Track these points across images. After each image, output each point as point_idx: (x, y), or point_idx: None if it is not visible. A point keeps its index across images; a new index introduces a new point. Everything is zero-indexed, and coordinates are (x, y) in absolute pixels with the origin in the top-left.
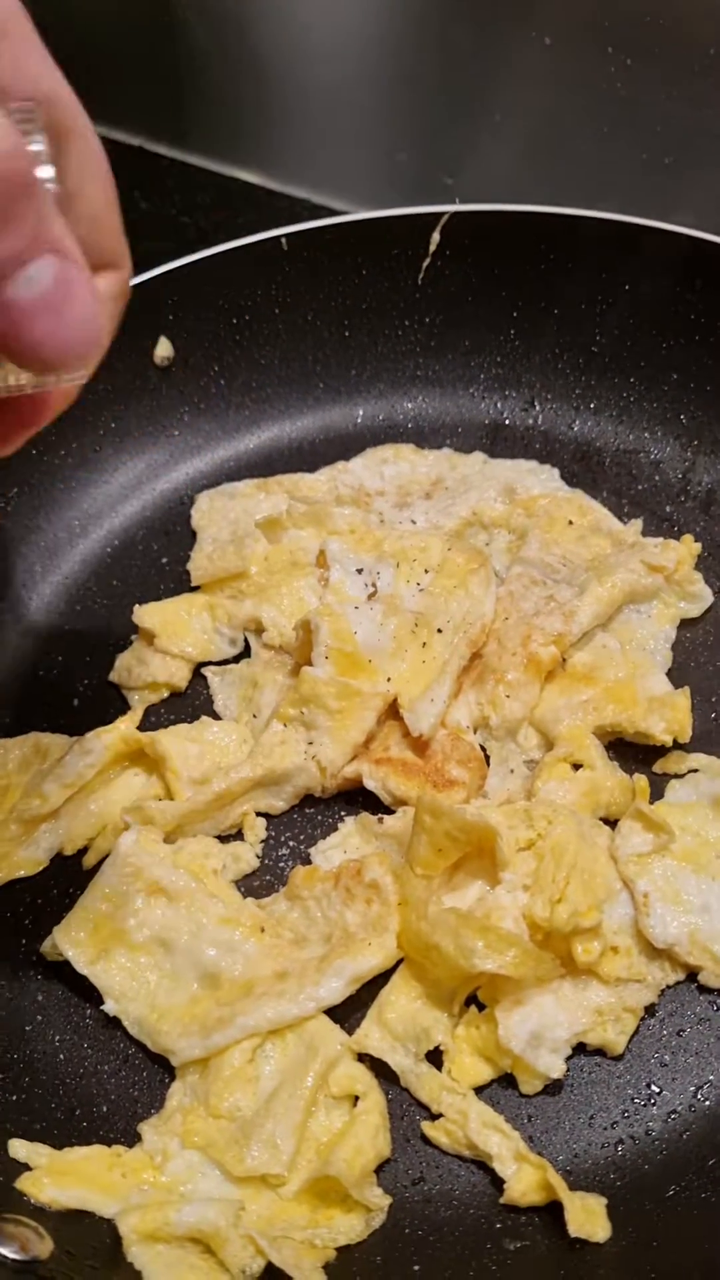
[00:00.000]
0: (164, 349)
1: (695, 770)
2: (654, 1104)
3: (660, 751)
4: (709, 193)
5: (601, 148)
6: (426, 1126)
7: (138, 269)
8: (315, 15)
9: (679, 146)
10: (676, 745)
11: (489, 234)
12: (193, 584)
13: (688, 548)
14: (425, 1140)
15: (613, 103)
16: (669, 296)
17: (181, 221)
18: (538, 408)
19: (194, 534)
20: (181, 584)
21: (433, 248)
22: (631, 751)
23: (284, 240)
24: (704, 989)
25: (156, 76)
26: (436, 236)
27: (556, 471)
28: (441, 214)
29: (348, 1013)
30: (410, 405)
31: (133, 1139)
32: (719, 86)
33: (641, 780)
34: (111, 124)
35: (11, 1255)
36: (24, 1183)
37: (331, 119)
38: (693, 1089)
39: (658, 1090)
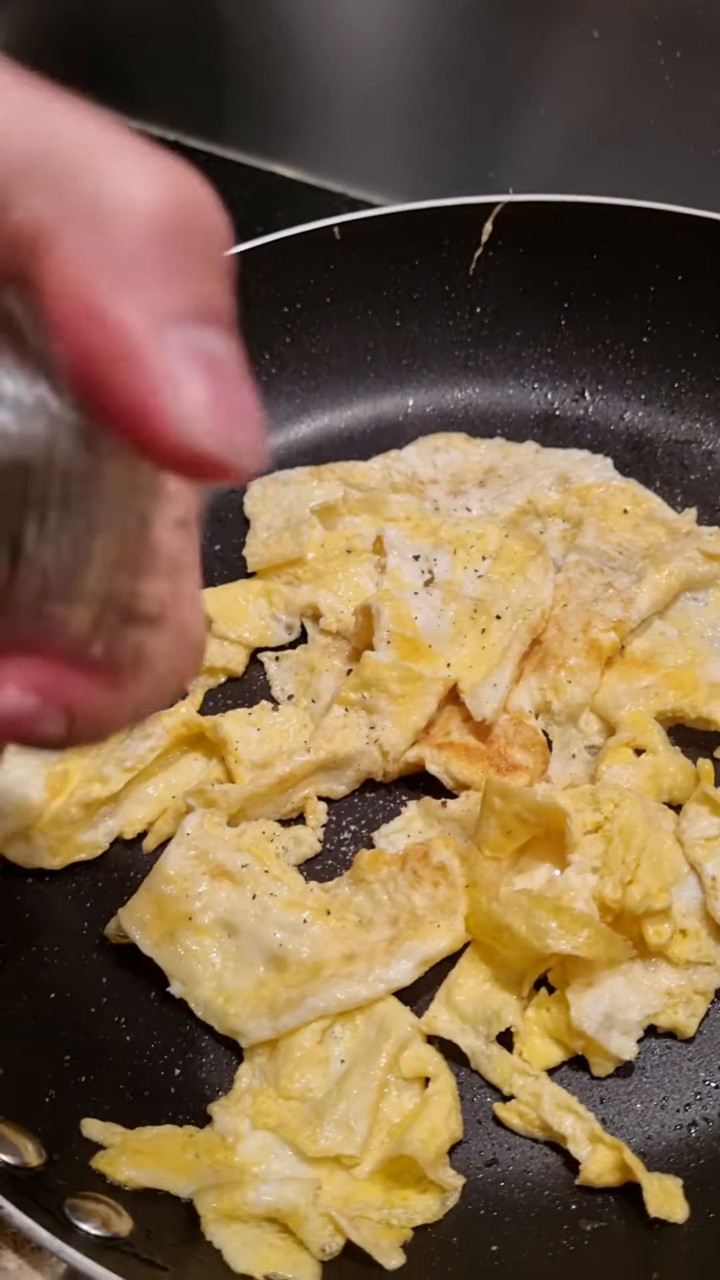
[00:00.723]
0: None
1: None
2: None
3: None
4: None
5: (647, 142)
6: (499, 1108)
7: None
8: (355, 9)
9: None
10: None
11: (541, 224)
12: (249, 570)
13: None
14: (497, 1122)
15: (660, 96)
16: (719, 287)
17: None
18: (589, 398)
19: (247, 521)
20: (235, 571)
21: (485, 238)
22: (693, 737)
23: (337, 230)
24: None
25: (192, 70)
26: (489, 226)
27: (610, 461)
28: (494, 204)
29: (416, 995)
30: (461, 395)
31: (203, 1120)
32: None
33: (706, 765)
34: (147, 119)
35: (94, 1231)
36: (100, 1161)
37: (371, 113)
38: None
39: None
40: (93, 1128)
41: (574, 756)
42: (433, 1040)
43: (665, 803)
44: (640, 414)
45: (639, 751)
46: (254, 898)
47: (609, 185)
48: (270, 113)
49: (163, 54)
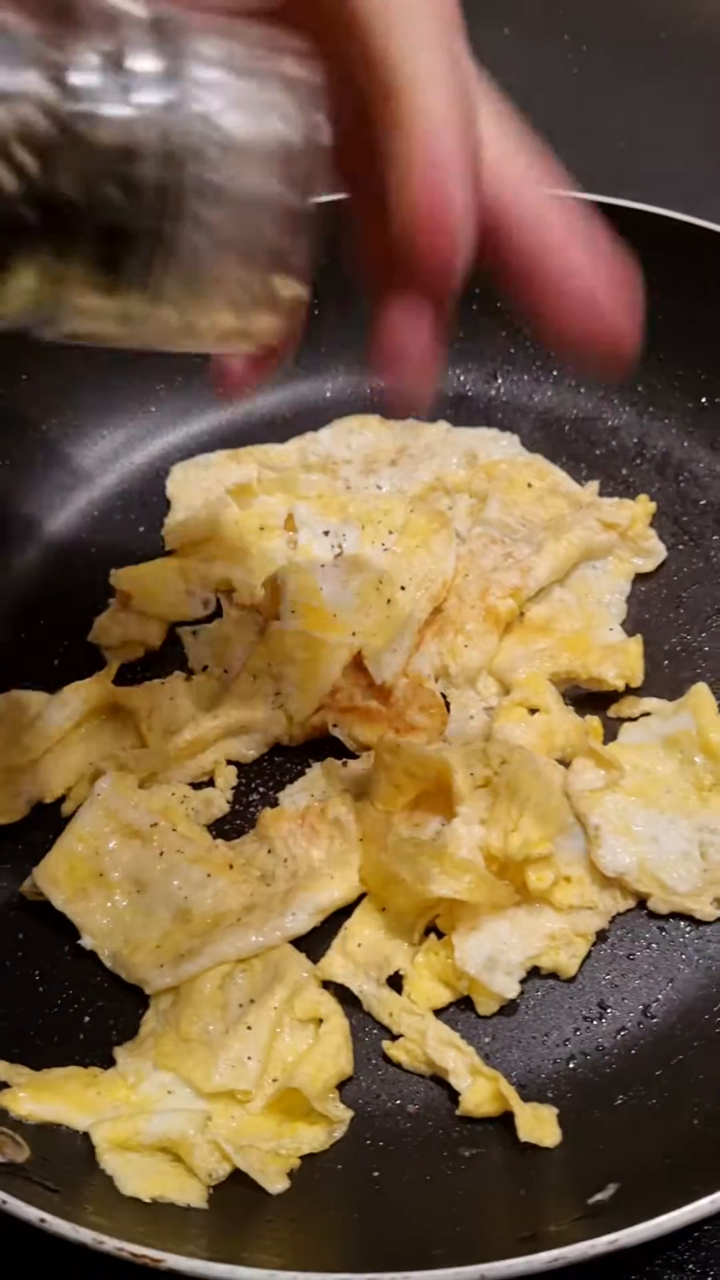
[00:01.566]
0: None
1: (648, 714)
2: (604, 1021)
3: (614, 698)
4: (665, 174)
5: (556, 134)
6: (387, 1046)
7: None
8: None
9: (636, 129)
10: (629, 690)
11: None
12: (166, 549)
13: (642, 506)
14: (386, 1059)
15: (567, 89)
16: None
17: None
18: (499, 379)
19: (169, 503)
20: (157, 550)
21: None
22: (587, 698)
23: None
24: (653, 915)
25: None
26: None
27: (517, 438)
28: None
29: (314, 945)
30: (378, 380)
31: (109, 1064)
32: (673, 70)
33: (594, 721)
34: None
35: None
36: (2, 1098)
37: None
38: (641, 1007)
39: (608, 1009)
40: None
41: (471, 718)
42: (328, 986)
43: (558, 759)
44: (549, 393)
45: (533, 711)
46: (161, 855)
47: None
48: None
49: None
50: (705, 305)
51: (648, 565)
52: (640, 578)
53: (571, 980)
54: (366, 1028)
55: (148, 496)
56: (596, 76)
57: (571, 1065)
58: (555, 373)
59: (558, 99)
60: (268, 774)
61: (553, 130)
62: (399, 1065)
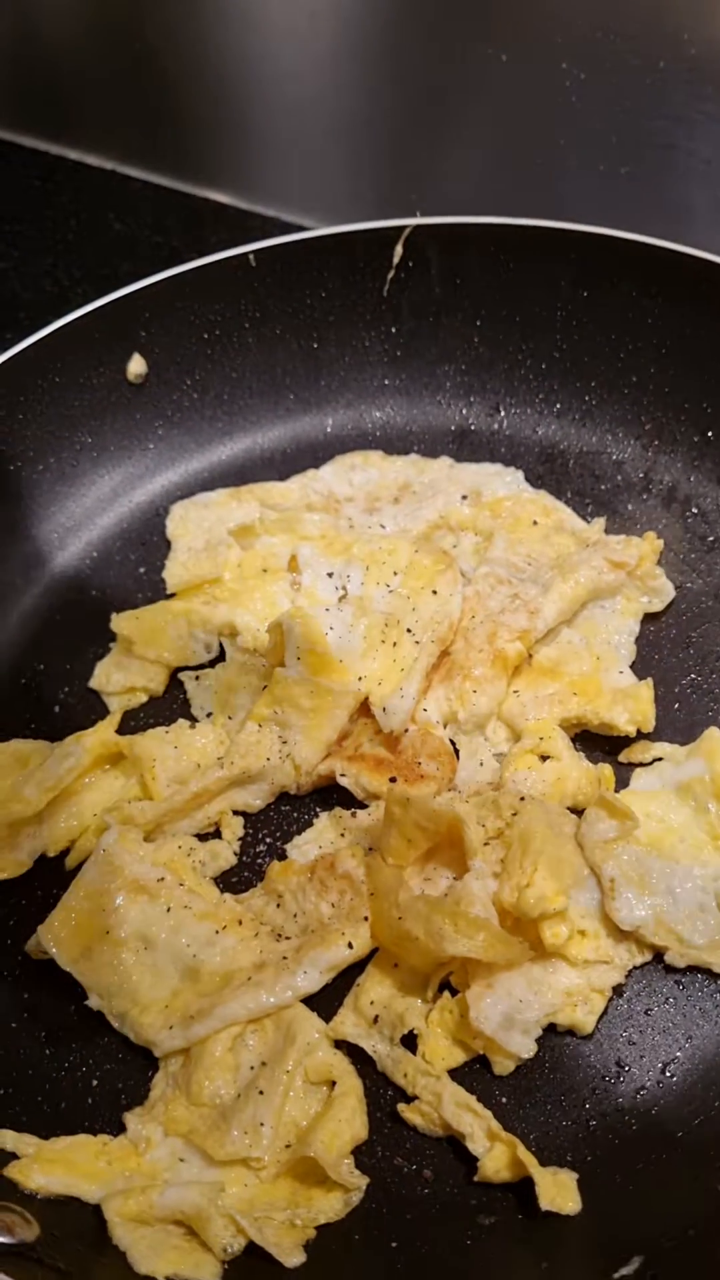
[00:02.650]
0: (137, 365)
1: (660, 759)
2: (623, 1081)
3: (626, 742)
4: (662, 201)
5: (560, 160)
6: (402, 1108)
7: (112, 289)
8: (281, 40)
9: (634, 158)
10: (641, 735)
11: (450, 246)
12: (168, 591)
13: (650, 544)
14: (401, 1122)
15: (568, 116)
16: (626, 302)
17: (155, 242)
18: (502, 413)
19: (169, 544)
20: (159, 592)
21: (396, 260)
22: (598, 742)
23: (252, 257)
24: (670, 969)
25: (128, 102)
26: (399, 249)
27: (521, 474)
28: (403, 227)
29: (326, 1001)
30: (379, 414)
31: (118, 1129)
32: (669, 100)
33: (606, 769)
34: (85, 149)
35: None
36: (12, 1170)
37: (299, 140)
38: (660, 1065)
39: (627, 1068)
40: (7, 1138)
41: (481, 765)
42: (340, 1045)
43: (569, 807)
44: (552, 427)
45: (544, 758)
46: (169, 911)
47: (528, 203)
48: (203, 141)
49: (98, 86)
50: (709, 337)
51: (656, 605)
52: (649, 617)
53: (589, 1038)
54: (380, 1089)
55: (148, 536)
56: (595, 104)
57: (591, 1126)
58: (558, 405)
59: (556, 127)
60: (275, 824)
61: (552, 159)
62: (414, 1128)
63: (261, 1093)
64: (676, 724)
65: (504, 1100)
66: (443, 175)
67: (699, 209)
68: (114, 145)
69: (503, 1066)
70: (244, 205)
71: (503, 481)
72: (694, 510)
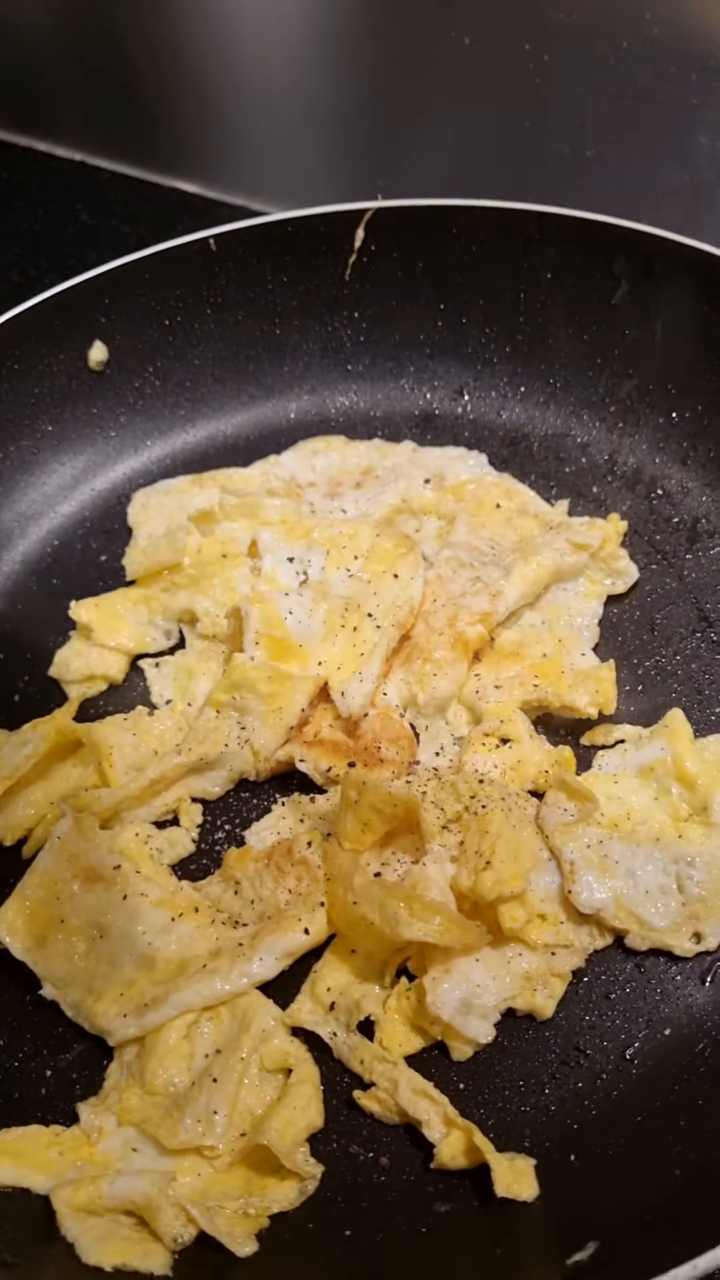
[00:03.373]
0: (99, 352)
1: (622, 741)
2: (582, 1066)
3: (588, 724)
4: (628, 183)
5: (525, 143)
6: (358, 1095)
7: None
8: (248, 28)
9: (599, 140)
10: (603, 717)
11: (412, 229)
12: (128, 579)
13: (614, 525)
14: (357, 1109)
15: (532, 99)
16: (590, 284)
17: (123, 232)
18: (466, 397)
19: (131, 531)
20: (120, 580)
21: (357, 244)
22: (560, 725)
23: (212, 241)
24: (630, 952)
25: (96, 93)
26: (360, 233)
27: (484, 457)
28: (364, 210)
29: (282, 988)
30: (343, 399)
31: (72, 1119)
32: (633, 81)
33: (566, 751)
34: (53, 140)
35: None
36: None
37: (267, 128)
38: (620, 1049)
39: (586, 1052)
40: None
41: (441, 749)
42: (297, 1032)
43: (531, 790)
44: (517, 410)
45: (504, 741)
46: (124, 899)
47: (495, 186)
48: (171, 131)
49: (66, 77)
50: (674, 319)
51: (620, 586)
52: (612, 599)
53: (548, 1022)
54: (337, 1076)
55: (109, 524)
56: (559, 86)
57: (550, 1112)
58: (523, 389)
59: (520, 109)
60: (234, 811)
61: (517, 141)
62: (371, 1115)
63: (216, 1080)
64: (639, 706)
65: (462, 1086)
66: (410, 161)
67: (664, 190)
68: (82, 136)
69: (460, 1052)
70: (212, 195)
71: (466, 465)
72: (658, 492)
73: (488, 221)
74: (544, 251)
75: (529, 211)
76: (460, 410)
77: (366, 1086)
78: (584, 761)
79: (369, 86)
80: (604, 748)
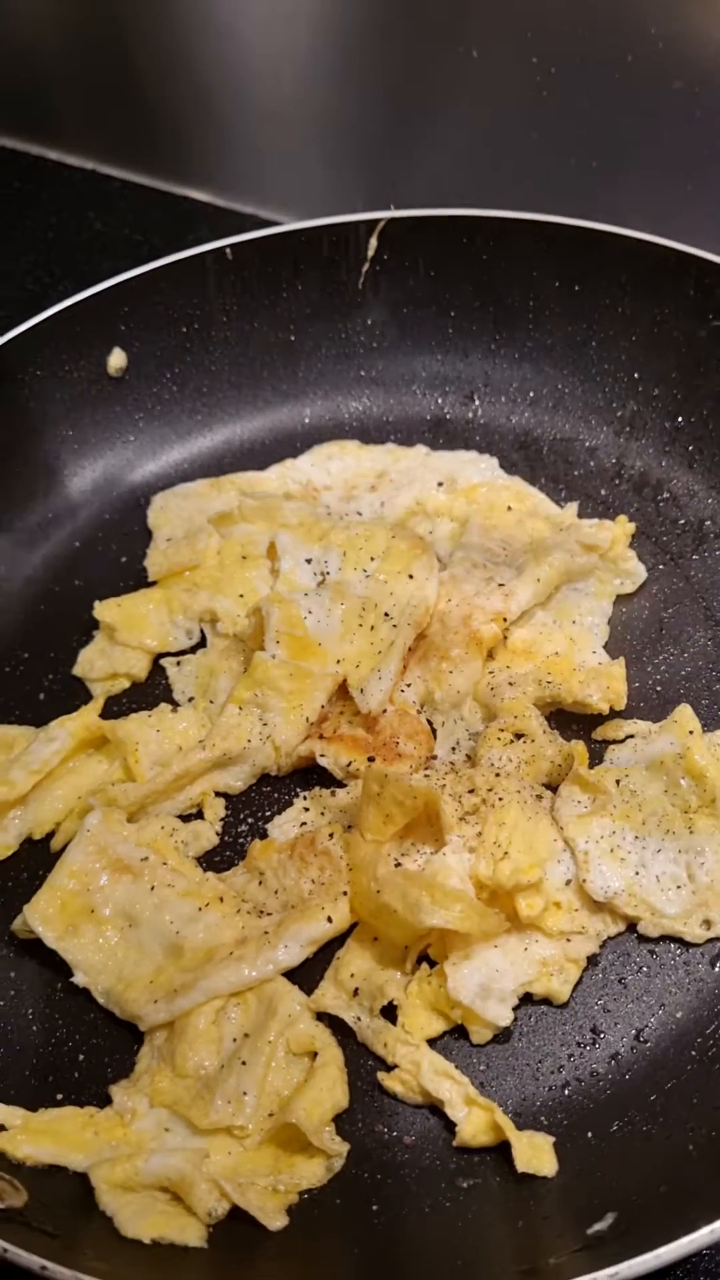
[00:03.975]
0: (118, 359)
1: (632, 736)
2: (598, 1047)
3: (599, 719)
4: (633, 193)
5: (532, 154)
6: (382, 1076)
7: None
8: (257, 38)
9: (604, 151)
10: (614, 713)
11: (424, 238)
12: (150, 579)
13: (622, 527)
14: (382, 1090)
15: (539, 110)
16: (598, 292)
17: (135, 240)
18: (477, 402)
19: (150, 533)
20: (141, 580)
21: (370, 253)
22: (572, 720)
23: (228, 251)
24: (643, 938)
25: (108, 102)
26: (373, 242)
27: (495, 461)
28: (377, 220)
29: (307, 975)
30: (356, 404)
31: (105, 1102)
32: (637, 93)
33: (579, 745)
34: (65, 149)
35: None
36: (1, 1141)
37: (277, 137)
38: (634, 1032)
39: (601, 1034)
40: None
41: (457, 744)
42: (321, 1017)
43: (544, 784)
44: (526, 415)
45: (518, 736)
46: (152, 889)
47: (503, 197)
48: (181, 140)
49: (77, 87)
50: (679, 326)
51: (629, 586)
52: (621, 599)
53: (564, 1006)
54: (361, 1059)
55: (129, 527)
56: (565, 98)
57: (566, 1092)
58: (532, 394)
59: (527, 121)
60: (256, 805)
61: (521, 151)
62: (394, 1096)
63: (244, 1063)
64: (648, 701)
65: (482, 1068)
66: (418, 170)
67: (669, 200)
68: (94, 145)
69: (480, 1035)
70: (223, 203)
71: (477, 469)
72: (665, 494)
73: (498, 231)
74: (553, 260)
75: (539, 222)
76: (471, 415)
77: (390, 1068)
78: (595, 755)
79: (378, 97)
80: (615, 742)
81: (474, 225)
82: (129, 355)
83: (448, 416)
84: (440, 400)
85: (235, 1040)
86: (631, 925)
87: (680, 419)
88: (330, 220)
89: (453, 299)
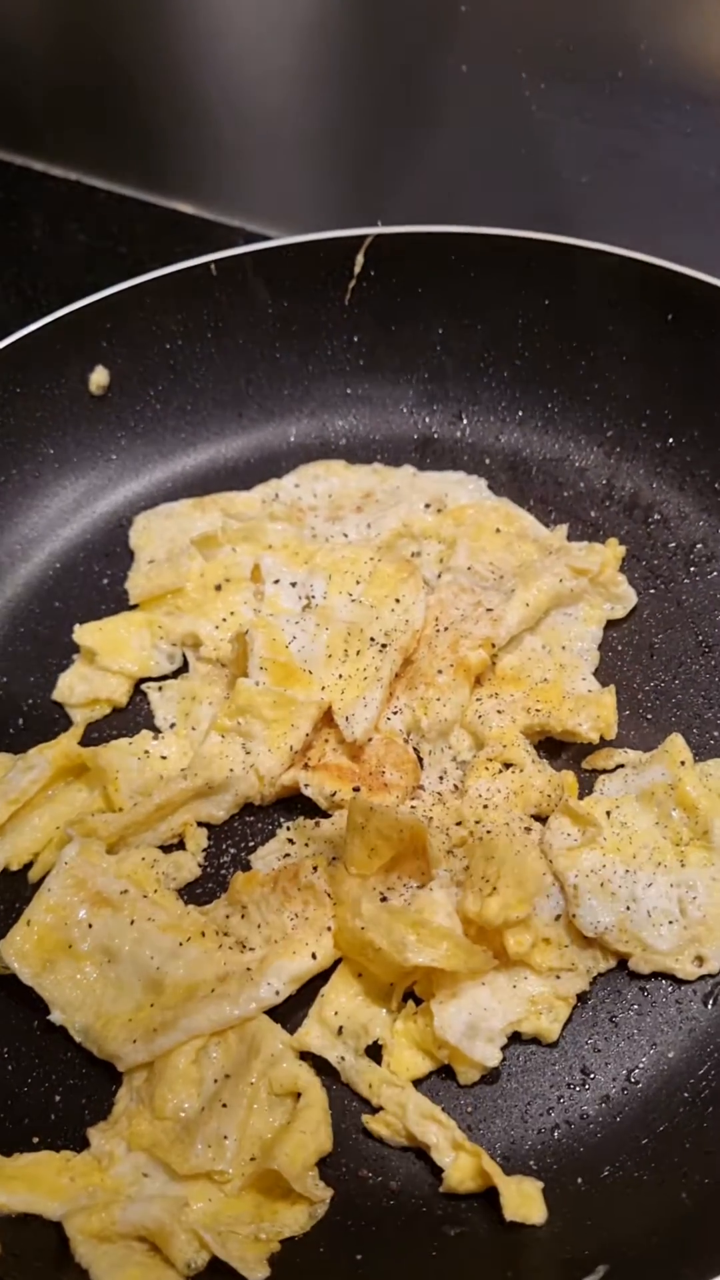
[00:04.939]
0: (100, 376)
1: (623, 766)
2: (588, 1088)
3: (589, 749)
4: (623, 210)
5: (521, 170)
6: (367, 1119)
7: (77, 301)
8: (245, 51)
9: (594, 167)
10: (604, 742)
11: (411, 255)
12: (131, 602)
13: (612, 551)
14: (366, 1133)
15: (528, 126)
16: (588, 311)
17: (120, 252)
18: (465, 421)
19: (132, 554)
20: (122, 603)
21: (357, 270)
22: (561, 749)
23: (213, 266)
24: (634, 975)
25: (93, 113)
26: (360, 259)
27: (484, 482)
28: (364, 236)
29: (290, 1012)
30: (342, 423)
31: (82, 1145)
32: (628, 109)
33: (569, 776)
34: (49, 160)
35: None
36: None
37: (264, 151)
38: (625, 1072)
39: (591, 1075)
40: None
41: (445, 773)
42: (305, 1056)
43: (533, 815)
44: (515, 435)
45: (506, 766)
46: (132, 923)
47: (491, 212)
48: (167, 152)
49: (62, 97)
50: (670, 345)
51: (619, 611)
52: (612, 624)
53: (554, 1045)
54: (346, 1100)
55: (111, 548)
56: (555, 113)
57: (556, 1135)
58: (521, 413)
59: (516, 136)
60: (239, 835)
61: (511, 168)
62: (380, 1139)
63: (225, 1106)
64: (639, 730)
65: (469, 1109)
66: (407, 186)
67: (660, 218)
68: (78, 156)
69: (467, 1076)
70: (209, 216)
71: (465, 489)
72: (656, 516)
73: (485, 248)
74: (541, 278)
75: (528, 239)
76: (459, 434)
77: (375, 1110)
78: (585, 786)
79: (365, 111)
80: (605, 772)
81: (462, 242)
82: (111, 372)
83: (435, 436)
84: (428, 419)
85: (216, 1081)
86: (622, 961)
87: (671, 439)
88: (317, 236)
89: (441, 316)
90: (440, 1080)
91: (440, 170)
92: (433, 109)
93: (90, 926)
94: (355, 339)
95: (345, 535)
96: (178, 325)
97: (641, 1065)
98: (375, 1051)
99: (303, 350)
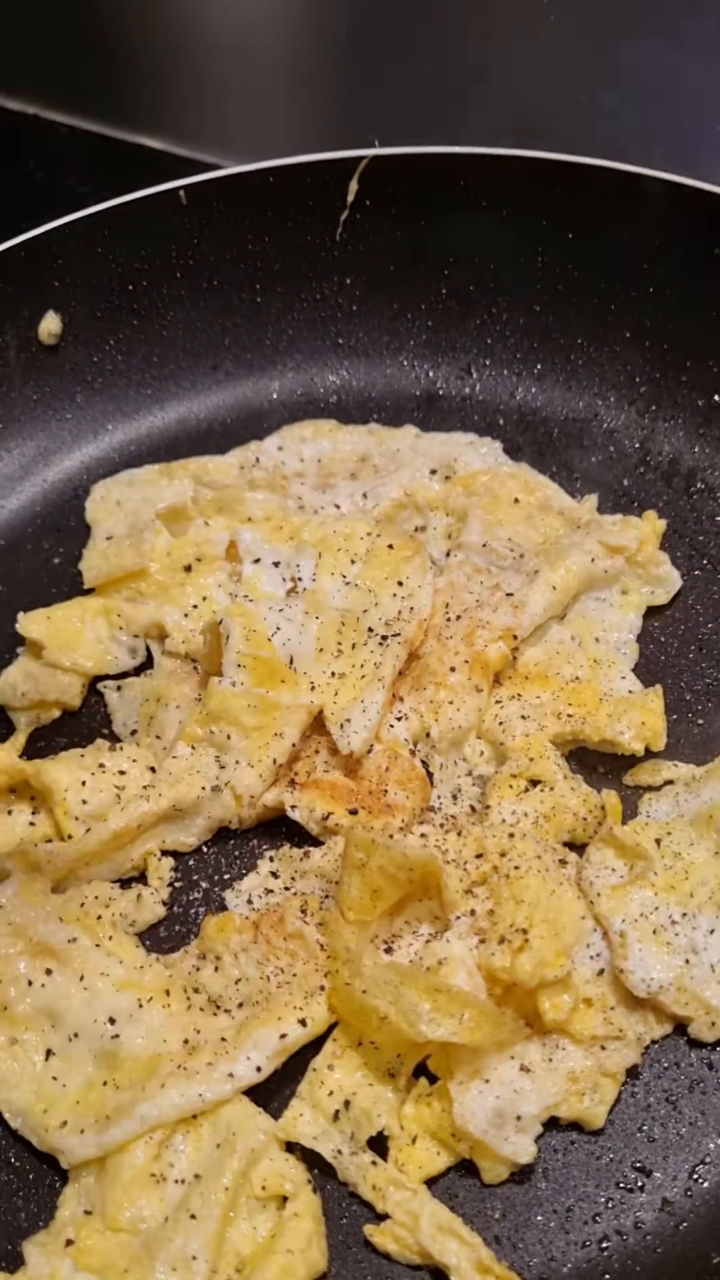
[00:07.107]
0: (51, 323)
1: (672, 782)
2: (643, 1189)
3: (631, 761)
4: (655, 129)
5: (535, 85)
6: (370, 1231)
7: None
8: None
9: (620, 81)
10: (649, 754)
11: (413, 181)
12: (85, 586)
13: (651, 525)
14: (370, 1248)
15: (543, 35)
16: (618, 245)
17: (80, 192)
18: (475, 375)
19: (89, 529)
20: (76, 587)
21: (351, 198)
22: (599, 763)
23: (182, 194)
24: (695, 1044)
25: (51, 40)
26: (354, 185)
27: (499, 445)
28: (359, 159)
29: (274, 1092)
30: (333, 377)
31: (16, 1262)
32: (656, 14)
33: (612, 797)
34: (7, 93)
35: None
36: None
37: (242, 77)
38: (687, 1168)
39: (648, 1173)
40: None
41: (459, 791)
42: (293, 1148)
43: (566, 843)
44: (533, 390)
45: (534, 783)
46: (81, 979)
47: (497, 135)
48: (134, 81)
49: (17, 23)
50: (712, 281)
51: (661, 596)
52: (653, 611)
53: (599, 1134)
54: (343, 1203)
55: (63, 521)
56: (574, 20)
57: (604, 1249)
58: (540, 366)
59: (530, 47)
60: (211, 867)
61: (526, 83)
62: (386, 1255)
63: (194, 1216)
64: (690, 739)
65: (496, 1216)
66: (405, 109)
67: (698, 137)
68: (35, 87)
69: (494, 1174)
70: (181, 151)
71: (477, 453)
72: (699, 485)
73: (500, 172)
74: (564, 207)
75: (549, 161)
76: (468, 390)
77: (380, 1219)
78: (628, 805)
79: (356, 28)
80: (651, 789)
81: (471, 165)
82: (64, 318)
83: (440, 392)
84: (431, 373)
85: (183, 1182)
86: (681, 1027)
87: (717, 395)
88: (304, 159)
89: (446, 253)
90: (460, 1177)
91: (441, 87)
92: (430, 16)
93: (30, 984)
94: (348, 280)
95: (337, 506)
96: (142, 263)
97: (708, 1159)
98: (380, 1143)
99: (287, 293)
